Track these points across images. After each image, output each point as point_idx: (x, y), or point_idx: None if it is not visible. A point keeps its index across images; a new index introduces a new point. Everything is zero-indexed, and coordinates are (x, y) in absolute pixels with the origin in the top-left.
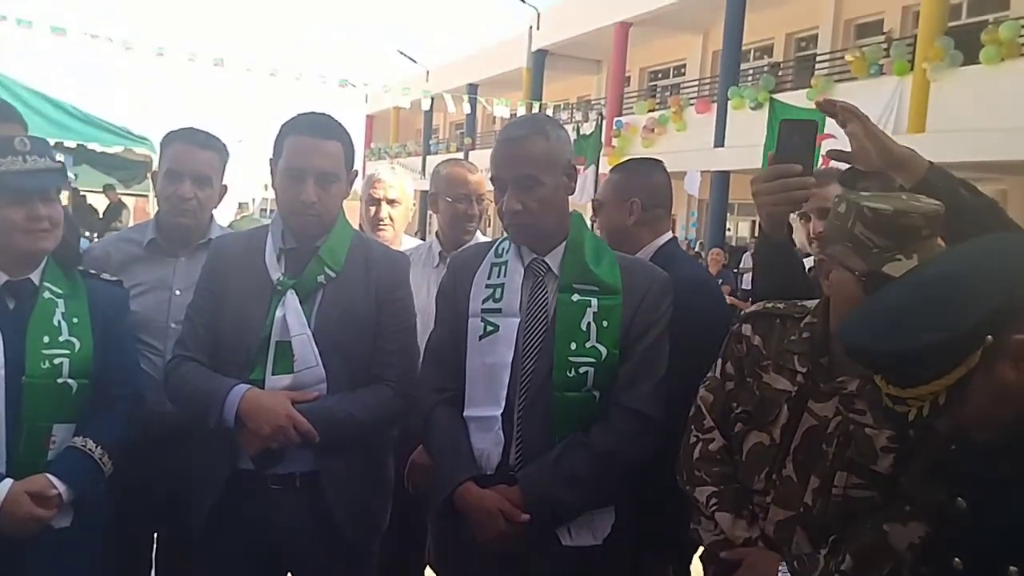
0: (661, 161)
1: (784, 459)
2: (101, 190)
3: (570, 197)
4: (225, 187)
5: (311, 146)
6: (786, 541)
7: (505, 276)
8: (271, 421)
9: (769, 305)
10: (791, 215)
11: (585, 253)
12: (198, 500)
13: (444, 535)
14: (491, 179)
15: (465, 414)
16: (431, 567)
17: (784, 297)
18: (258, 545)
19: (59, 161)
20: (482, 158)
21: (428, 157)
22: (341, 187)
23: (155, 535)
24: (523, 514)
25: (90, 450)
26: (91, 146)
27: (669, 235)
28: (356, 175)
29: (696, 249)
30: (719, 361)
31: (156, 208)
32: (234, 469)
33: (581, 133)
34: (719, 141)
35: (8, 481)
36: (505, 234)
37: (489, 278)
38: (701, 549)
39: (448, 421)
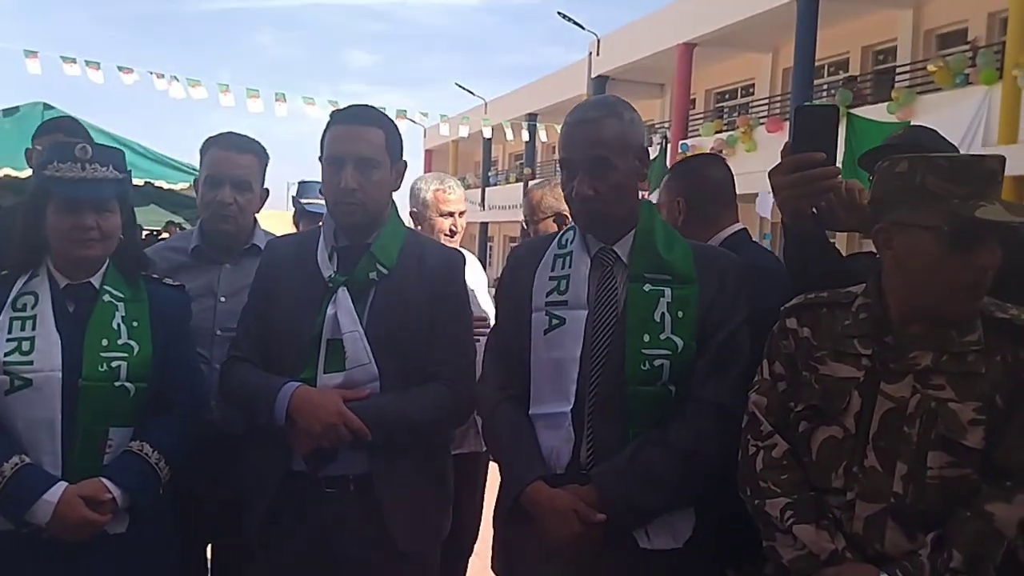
0: (718, 156)
1: (864, 449)
2: (162, 228)
3: None
4: (267, 191)
5: (350, 132)
6: (877, 538)
7: (570, 267)
8: (322, 419)
9: (811, 296)
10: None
11: (656, 241)
12: (252, 503)
13: (510, 538)
14: (559, 162)
15: (531, 412)
16: (494, 573)
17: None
18: (314, 550)
19: (123, 172)
20: None
21: (487, 189)
22: (385, 175)
23: (210, 545)
24: (599, 514)
25: (147, 455)
26: (158, 183)
27: (736, 227)
28: (406, 166)
29: None
30: (764, 362)
31: None
32: (288, 471)
33: None
34: None
35: (62, 484)
36: (569, 224)
37: (553, 270)
38: None
39: (513, 418)
